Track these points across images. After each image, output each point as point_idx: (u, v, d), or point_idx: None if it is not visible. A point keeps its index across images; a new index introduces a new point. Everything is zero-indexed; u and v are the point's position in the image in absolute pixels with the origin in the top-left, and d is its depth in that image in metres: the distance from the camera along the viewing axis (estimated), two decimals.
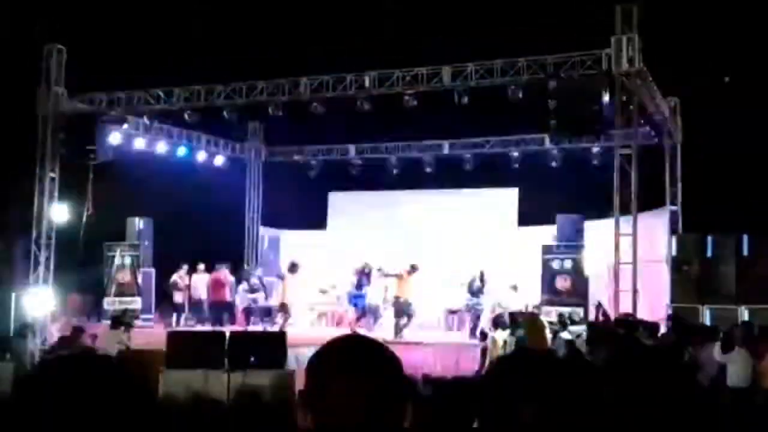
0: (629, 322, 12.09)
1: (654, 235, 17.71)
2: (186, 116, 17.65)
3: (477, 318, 17.36)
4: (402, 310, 17.24)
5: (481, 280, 18.01)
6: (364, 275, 18.80)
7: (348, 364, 1.63)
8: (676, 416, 2.14)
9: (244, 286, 20.04)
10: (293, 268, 18.58)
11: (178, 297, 19.15)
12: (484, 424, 1.82)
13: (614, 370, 2.20)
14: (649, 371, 2.14)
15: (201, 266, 19.52)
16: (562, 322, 13.61)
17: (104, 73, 17.53)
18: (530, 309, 16.85)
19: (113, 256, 19.18)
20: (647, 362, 2.22)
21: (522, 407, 1.73)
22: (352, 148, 22.85)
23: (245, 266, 22.08)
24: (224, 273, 19.64)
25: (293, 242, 23.26)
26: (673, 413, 2.13)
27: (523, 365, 1.83)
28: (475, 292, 17.88)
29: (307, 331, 18.58)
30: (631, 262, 14.26)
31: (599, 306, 16.55)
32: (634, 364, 2.19)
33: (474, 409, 1.84)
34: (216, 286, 19.40)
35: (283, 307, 18.01)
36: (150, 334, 16.55)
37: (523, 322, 11.56)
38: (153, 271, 19.95)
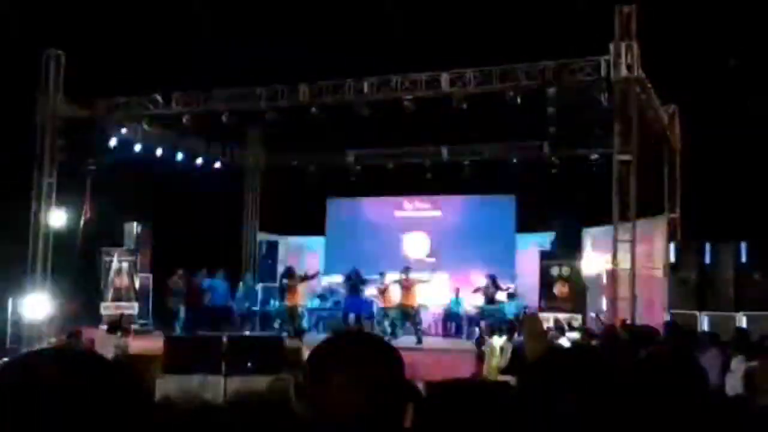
0: (628, 327, 12.06)
1: (652, 242, 17.71)
2: (184, 121, 17.64)
3: (498, 322, 17.30)
4: (414, 318, 17.42)
5: (495, 285, 18.05)
6: (358, 280, 18.75)
7: (349, 357, 1.62)
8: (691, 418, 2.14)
9: (240, 292, 20.05)
10: (289, 273, 18.65)
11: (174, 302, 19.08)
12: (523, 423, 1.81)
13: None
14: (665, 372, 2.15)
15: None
16: (560, 328, 13.60)
17: (103, 78, 17.51)
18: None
19: (110, 261, 19.12)
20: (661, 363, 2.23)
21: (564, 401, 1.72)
22: (350, 154, 22.85)
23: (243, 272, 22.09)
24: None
25: (291, 248, 23.27)
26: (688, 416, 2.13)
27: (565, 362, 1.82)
28: (491, 298, 17.94)
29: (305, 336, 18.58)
30: (629, 268, 14.26)
31: (597, 316, 16.57)
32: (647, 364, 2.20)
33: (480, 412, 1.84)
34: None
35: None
36: (147, 339, 16.53)
37: (522, 324, 11.51)
38: (150, 276, 19.91)
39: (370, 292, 18.97)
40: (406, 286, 17.44)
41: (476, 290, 18.38)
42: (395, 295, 17.87)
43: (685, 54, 15.90)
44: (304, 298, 19.13)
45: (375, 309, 18.95)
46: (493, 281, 18.15)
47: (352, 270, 19.04)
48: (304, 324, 19.05)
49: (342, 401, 1.57)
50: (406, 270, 17.74)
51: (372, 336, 1.76)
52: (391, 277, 18.35)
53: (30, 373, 1.44)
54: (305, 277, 18.93)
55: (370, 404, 1.57)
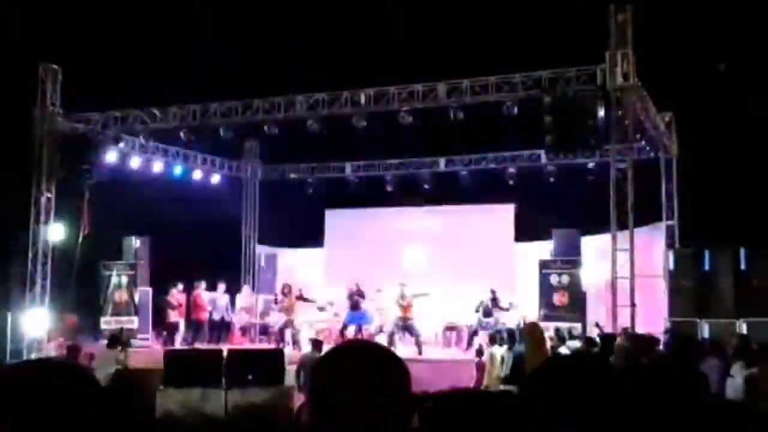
0: (628, 335, 12.05)
1: (651, 249, 17.71)
2: (182, 135, 17.65)
3: (498, 332, 17.23)
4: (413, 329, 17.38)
5: (494, 300, 17.95)
6: (358, 295, 18.75)
7: (354, 366, 1.63)
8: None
9: (240, 303, 20.06)
10: (286, 290, 18.70)
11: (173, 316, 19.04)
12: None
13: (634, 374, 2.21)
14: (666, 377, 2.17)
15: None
16: (560, 337, 13.57)
17: (100, 93, 17.54)
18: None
19: (110, 276, 19.10)
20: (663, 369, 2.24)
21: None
22: (348, 166, 22.89)
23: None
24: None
25: (290, 260, 23.26)
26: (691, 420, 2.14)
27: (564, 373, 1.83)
28: (489, 312, 17.86)
29: (306, 348, 18.54)
30: (629, 276, 14.25)
31: (597, 325, 16.53)
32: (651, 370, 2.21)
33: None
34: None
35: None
36: (147, 353, 16.51)
37: (522, 333, 11.49)
38: (150, 290, 19.89)
39: (367, 306, 18.92)
40: (405, 305, 17.48)
41: (477, 310, 18.26)
42: (394, 311, 17.92)
43: (681, 62, 15.94)
44: (302, 311, 19.13)
45: (373, 322, 18.92)
46: (493, 298, 18.08)
47: (355, 287, 19.07)
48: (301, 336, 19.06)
49: (347, 410, 1.57)
50: (403, 287, 17.71)
51: (377, 345, 1.77)
52: (389, 293, 18.34)
53: (13, 384, 1.44)
54: (301, 296, 19.02)
55: (375, 413, 1.57)
